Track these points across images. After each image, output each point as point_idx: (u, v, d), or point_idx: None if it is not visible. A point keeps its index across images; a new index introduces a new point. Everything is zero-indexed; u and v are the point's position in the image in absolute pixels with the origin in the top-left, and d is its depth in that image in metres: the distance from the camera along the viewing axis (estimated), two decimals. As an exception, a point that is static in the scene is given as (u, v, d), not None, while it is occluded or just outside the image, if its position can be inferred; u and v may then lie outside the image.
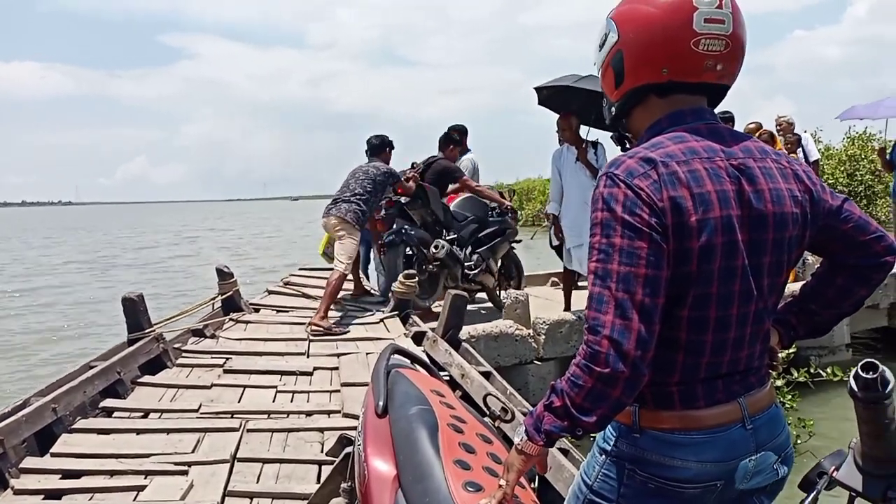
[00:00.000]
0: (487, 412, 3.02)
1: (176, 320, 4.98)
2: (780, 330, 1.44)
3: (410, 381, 1.90)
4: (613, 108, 1.38)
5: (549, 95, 6.30)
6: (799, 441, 4.74)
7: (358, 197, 5.53)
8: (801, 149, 7.65)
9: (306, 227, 34.80)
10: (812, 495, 1.18)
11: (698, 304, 1.22)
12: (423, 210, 6.07)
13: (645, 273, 1.14)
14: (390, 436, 1.69)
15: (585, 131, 6.06)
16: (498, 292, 6.75)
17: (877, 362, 0.99)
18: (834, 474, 1.13)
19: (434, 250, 5.88)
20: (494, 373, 4.24)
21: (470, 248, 6.38)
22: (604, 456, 1.33)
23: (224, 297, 5.55)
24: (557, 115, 5.96)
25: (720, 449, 1.25)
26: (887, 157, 8.22)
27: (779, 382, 5.05)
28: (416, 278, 5.52)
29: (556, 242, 6.20)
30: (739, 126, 7.55)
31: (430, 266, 6.00)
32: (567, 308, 6.13)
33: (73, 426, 3.26)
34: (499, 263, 6.78)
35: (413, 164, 6.56)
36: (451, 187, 6.58)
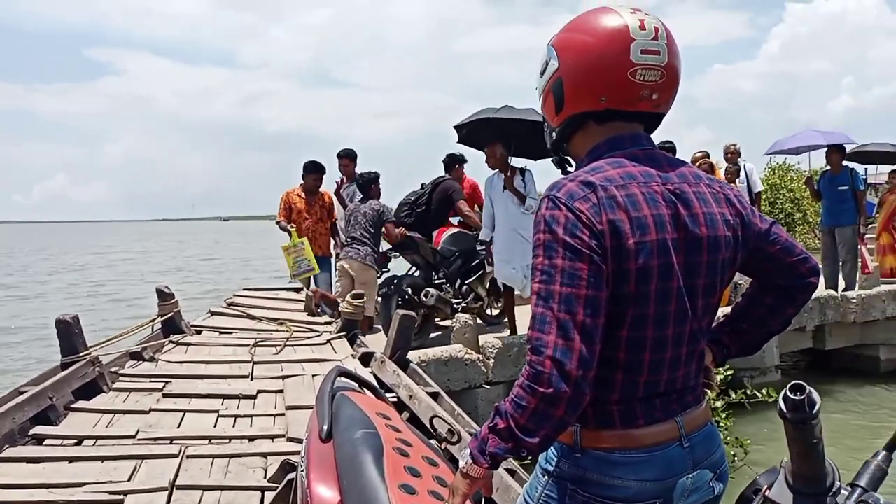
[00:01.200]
0: (434, 434, 2.99)
1: (113, 343, 4.77)
2: (713, 349, 1.47)
3: (356, 405, 1.86)
4: (554, 134, 1.41)
5: (469, 132, 6.39)
6: (736, 459, 4.85)
7: (367, 239, 6.30)
8: (744, 177, 7.87)
9: (247, 248, 34.24)
10: None
11: (636, 324, 1.24)
12: (415, 255, 6.62)
13: (586, 294, 1.16)
14: (334, 461, 1.65)
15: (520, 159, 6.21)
16: (488, 310, 7.34)
17: (804, 384, 1.02)
18: (767, 493, 1.14)
19: (424, 299, 6.25)
20: (443, 393, 4.19)
21: (459, 281, 6.76)
22: (546, 477, 1.33)
23: (164, 318, 5.35)
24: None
25: (659, 467, 1.27)
26: (815, 186, 8.60)
27: (718, 403, 5.17)
28: (364, 298, 5.50)
29: (489, 269, 6.31)
30: (687, 155, 7.79)
31: (422, 310, 6.31)
32: (513, 332, 6.17)
33: (1, 455, 3.07)
34: (487, 286, 7.08)
35: (422, 184, 7.01)
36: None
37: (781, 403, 1.05)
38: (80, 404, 3.84)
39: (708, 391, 1.45)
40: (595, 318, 1.16)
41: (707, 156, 7.75)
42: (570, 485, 1.29)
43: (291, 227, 6.98)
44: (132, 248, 47.73)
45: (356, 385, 2.15)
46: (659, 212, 1.24)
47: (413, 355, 4.98)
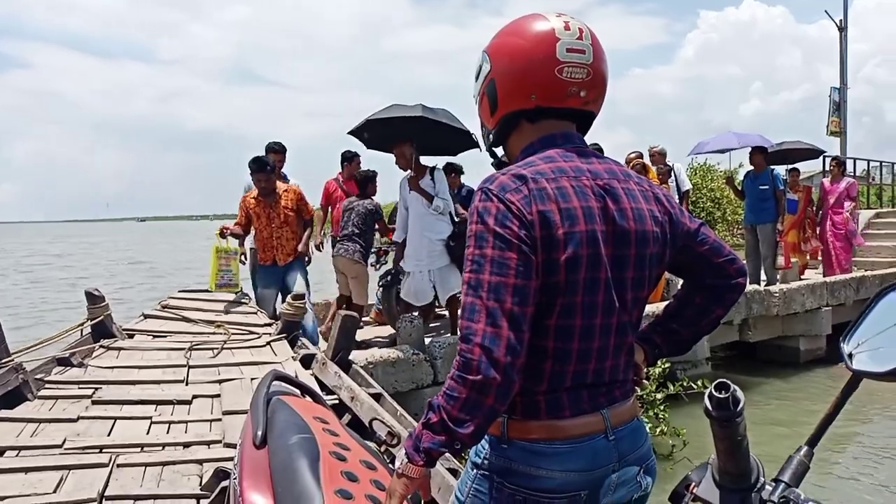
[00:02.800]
0: (373, 437, 2.92)
1: (38, 348, 4.49)
2: (644, 348, 1.49)
3: (292, 409, 1.80)
4: (491, 135, 1.45)
5: (370, 135, 6.27)
6: (675, 449, 4.95)
7: (356, 236, 6.39)
8: (673, 178, 8.06)
9: (175, 250, 33.31)
10: None
11: (565, 312, 1.26)
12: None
13: (514, 282, 1.18)
14: (268, 468, 1.58)
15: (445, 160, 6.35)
16: None
17: (729, 382, 1.01)
18: (694, 490, 1.13)
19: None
20: (385, 394, 4.10)
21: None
22: (475, 470, 1.34)
23: (94, 322, 5.06)
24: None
25: (584, 459, 1.28)
26: (738, 186, 8.91)
27: (658, 395, 5.27)
28: (304, 299, 5.39)
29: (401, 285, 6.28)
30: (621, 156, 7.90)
31: None
32: (454, 332, 6.13)
33: (-89, 470, 2.86)
34: None
35: None
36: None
37: (707, 401, 1.04)
38: (2, 413, 3.58)
39: (638, 388, 1.46)
40: (523, 306, 1.18)
41: (640, 156, 7.89)
42: (496, 477, 1.29)
43: (235, 235, 6.29)
44: (46, 250, 45.24)
45: (293, 389, 2.08)
46: (588, 204, 1.27)
47: (359, 356, 4.89)
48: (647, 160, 7.90)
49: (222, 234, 6.21)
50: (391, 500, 1.24)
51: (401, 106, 6.04)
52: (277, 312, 6.00)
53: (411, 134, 5.79)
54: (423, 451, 1.20)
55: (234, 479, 1.69)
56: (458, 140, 6.20)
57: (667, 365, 5.59)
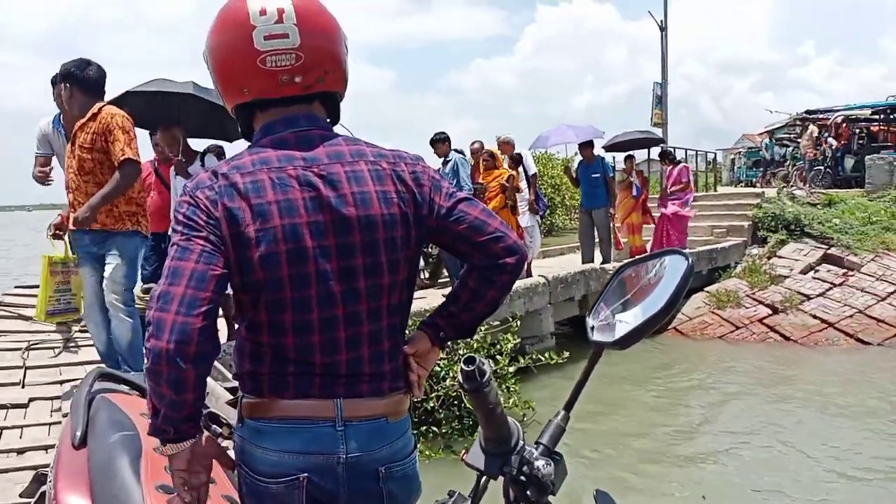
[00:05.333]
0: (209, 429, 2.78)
1: None
2: (428, 333, 1.37)
3: (117, 407, 1.68)
4: (238, 125, 1.36)
5: (131, 111, 4.22)
6: (525, 419, 5.15)
7: None
8: (521, 165, 8.32)
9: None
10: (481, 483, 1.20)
11: (273, 309, 1.20)
12: None
13: (193, 268, 1.13)
14: (87, 468, 1.48)
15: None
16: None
17: (475, 356, 1.06)
18: (464, 457, 1.17)
19: (431, 249, 7.32)
20: (242, 386, 3.93)
21: None
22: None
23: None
24: None
25: (301, 441, 1.21)
26: (574, 174, 9.43)
27: (510, 369, 5.46)
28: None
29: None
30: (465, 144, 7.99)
31: (431, 260, 7.84)
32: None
33: None
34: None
35: None
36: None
37: (459, 375, 1.08)
38: None
39: (413, 387, 1.34)
40: (201, 290, 1.12)
41: (482, 145, 7.94)
42: (238, 460, 1.25)
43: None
44: None
45: (121, 386, 1.94)
46: (289, 197, 1.19)
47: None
48: (495, 148, 8.09)
49: (57, 236, 4.23)
50: (175, 481, 1.20)
51: (168, 81, 5.05)
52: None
53: (180, 114, 4.94)
54: (157, 429, 1.18)
55: (51, 482, 1.57)
56: (235, 123, 5.25)
57: (517, 341, 5.80)
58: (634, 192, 9.88)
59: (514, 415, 5.14)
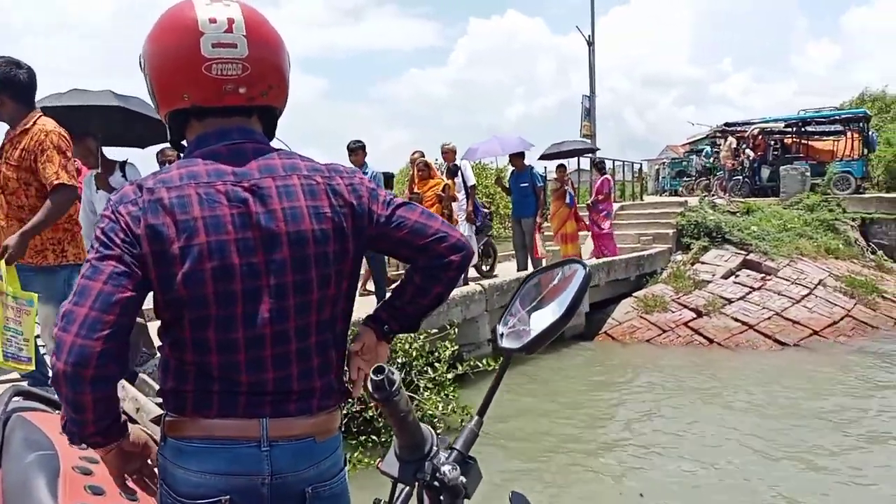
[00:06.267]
0: None
1: None
2: (373, 327, 1.37)
3: (35, 426, 1.61)
4: (169, 131, 1.31)
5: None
6: (463, 424, 5.17)
7: None
8: (460, 175, 8.36)
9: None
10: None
11: (196, 326, 1.17)
12: None
13: (100, 289, 1.10)
14: (1, 490, 1.43)
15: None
16: (483, 267, 8.93)
17: (384, 365, 1.07)
18: (379, 465, 1.18)
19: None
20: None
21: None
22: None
23: None
24: None
25: (222, 461, 1.17)
26: (505, 184, 9.58)
27: (449, 376, 5.48)
28: None
29: None
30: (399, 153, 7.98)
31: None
32: None
33: None
34: (480, 248, 8.63)
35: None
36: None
37: (368, 385, 1.09)
38: None
39: (355, 385, 1.34)
40: (104, 313, 1.09)
41: (423, 154, 8.00)
42: (161, 480, 1.22)
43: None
44: None
45: (39, 405, 1.85)
46: (215, 213, 1.16)
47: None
48: (440, 157, 8.13)
49: (7, 261, 3.07)
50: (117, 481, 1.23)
51: (86, 92, 4.85)
52: None
53: (95, 124, 4.63)
54: (68, 432, 1.18)
55: None
56: (152, 131, 5.03)
57: (455, 348, 5.83)
58: (568, 201, 10.02)
59: (452, 421, 5.19)
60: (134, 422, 2.45)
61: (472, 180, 8.26)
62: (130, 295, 1.12)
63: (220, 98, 1.20)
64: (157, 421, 1.32)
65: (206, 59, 1.17)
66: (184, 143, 1.31)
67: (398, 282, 1.44)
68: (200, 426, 1.18)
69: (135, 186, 1.18)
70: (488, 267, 9.12)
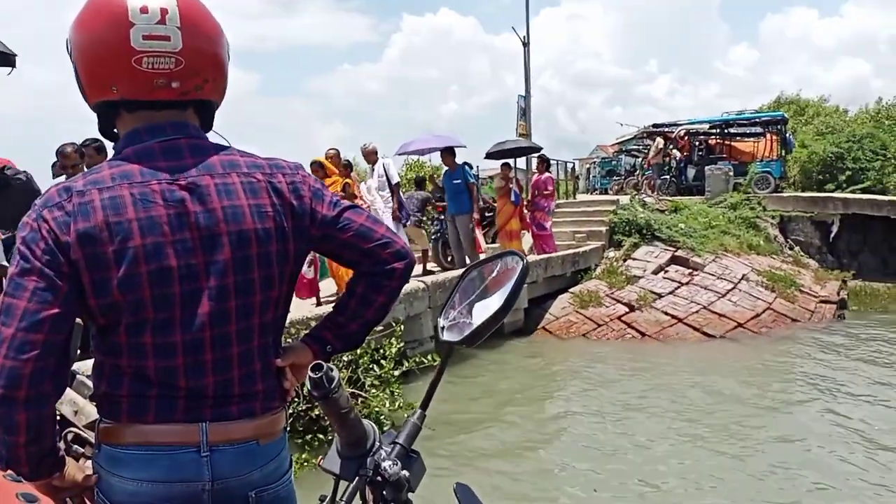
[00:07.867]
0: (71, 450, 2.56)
1: None
2: (313, 347, 1.29)
3: None
4: (98, 121, 1.23)
5: None
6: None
7: (414, 212, 8.12)
8: (382, 172, 8.20)
9: None
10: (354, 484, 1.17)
11: (133, 331, 1.11)
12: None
13: (25, 306, 1.04)
14: None
15: None
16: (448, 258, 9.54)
17: (322, 363, 1.05)
18: (321, 463, 1.15)
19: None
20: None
21: None
22: None
23: None
24: None
25: (160, 469, 1.12)
26: (439, 183, 9.63)
27: (396, 373, 5.47)
28: None
29: None
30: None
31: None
32: None
33: None
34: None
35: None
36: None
37: (307, 383, 1.07)
38: None
39: (287, 393, 1.28)
40: (32, 332, 1.03)
41: (337, 153, 7.80)
42: (97, 488, 1.16)
43: None
44: None
45: None
46: (151, 214, 1.10)
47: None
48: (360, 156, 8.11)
49: None
50: None
51: None
52: None
53: None
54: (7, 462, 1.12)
55: None
56: None
57: (400, 345, 5.82)
58: (513, 198, 10.10)
59: (399, 418, 5.17)
60: (80, 440, 2.35)
61: (395, 179, 8.31)
62: (57, 311, 1.05)
63: (151, 92, 1.13)
64: (92, 427, 1.24)
65: (135, 51, 1.09)
66: (115, 130, 1.22)
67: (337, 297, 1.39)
68: (136, 432, 1.12)
69: (60, 188, 1.11)
70: (451, 258, 9.54)
